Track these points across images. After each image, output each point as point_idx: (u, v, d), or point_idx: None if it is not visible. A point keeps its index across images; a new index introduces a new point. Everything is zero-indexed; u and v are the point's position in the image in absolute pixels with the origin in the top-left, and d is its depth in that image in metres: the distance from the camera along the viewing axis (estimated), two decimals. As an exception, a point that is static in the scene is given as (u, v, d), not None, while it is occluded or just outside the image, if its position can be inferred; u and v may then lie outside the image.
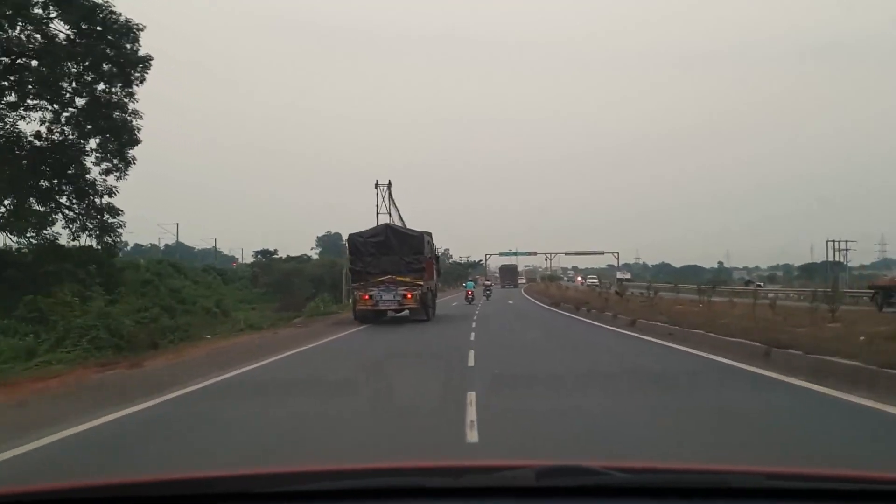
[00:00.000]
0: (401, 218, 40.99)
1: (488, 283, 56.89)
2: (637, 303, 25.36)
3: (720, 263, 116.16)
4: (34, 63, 20.73)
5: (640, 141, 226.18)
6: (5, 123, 20.91)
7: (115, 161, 21.91)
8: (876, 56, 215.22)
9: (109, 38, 21.02)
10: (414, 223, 32.51)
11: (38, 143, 21.45)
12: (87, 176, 22.01)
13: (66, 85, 21.39)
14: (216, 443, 5.85)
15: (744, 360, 10.07)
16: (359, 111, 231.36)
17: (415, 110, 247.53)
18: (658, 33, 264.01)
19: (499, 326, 21.56)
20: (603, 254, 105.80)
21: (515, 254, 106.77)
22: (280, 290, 50.91)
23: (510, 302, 43.47)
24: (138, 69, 21.84)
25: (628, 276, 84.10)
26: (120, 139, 21.80)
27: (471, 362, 11.19)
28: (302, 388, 9.14)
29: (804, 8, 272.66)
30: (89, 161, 22.03)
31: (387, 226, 26.10)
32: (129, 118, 21.88)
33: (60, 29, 20.59)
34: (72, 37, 20.73)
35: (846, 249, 69.81)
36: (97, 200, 22.04)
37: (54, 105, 21.37)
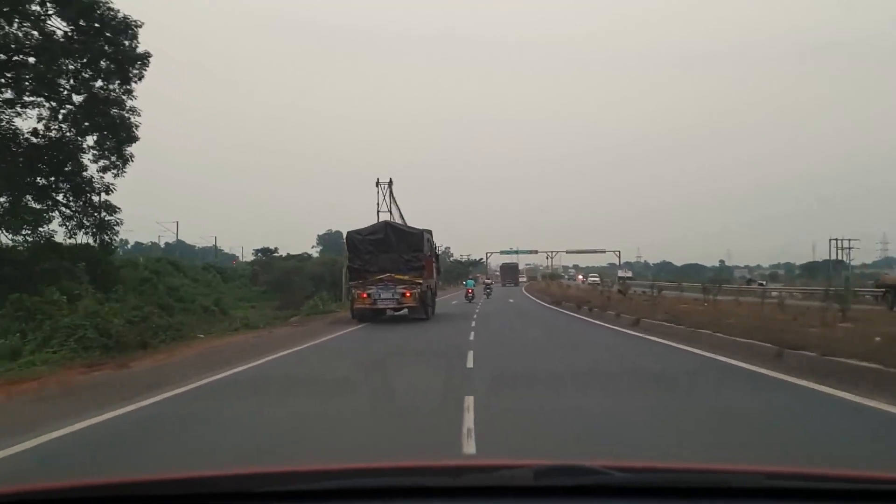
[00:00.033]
0: (401, 216, 40.83)
1: (489, 281, 56.68)
2: (640, 301, 25.12)
3: (721, 262, 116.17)
4: (31, 60, 20.55)
5: (640, 141, 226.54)
6: (1, 120, 20.73)
7: (113, 158, 21.77)
8: (876, 56, 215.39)
9: (107, 34, 20.84)
10: (414, 222, 32.23)
11: (35, 140, 21.27)
12: (85, 173, 21.85)
13: (63, 82, 21.22)
14: (198, 449, 5.61)
15: (754, 361, 9.69)
16: (359, 111, 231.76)
17: (415, 110, 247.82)
18: (658, 33, 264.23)
19: (499, 325, 21.32)
20: (604, 252, 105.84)
21: (516, 252, 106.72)
22: (280, 288, 50.73)
23: (511, 300, 43.28)
24: (137, 66, 21.66)
25: (630, 274, 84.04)
26: (118, 136, 21.63)
27: (469, 363, 10.89)
28: (294, 390, 8.88)
29: (804, 8, 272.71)
30: (87, 158, 21.88)
31: (386, 223, 25.71)
32: (127, 115, 21.70)
33: (58, 26, 20.43)
34: (69, 33, 20.55)
35: (849, 248, 69.52)
36: (94, 198, 21.89)
37: (52, 102, 21.21)
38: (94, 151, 21.74)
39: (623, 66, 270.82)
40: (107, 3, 20.25)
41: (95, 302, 15.31)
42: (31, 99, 20.82)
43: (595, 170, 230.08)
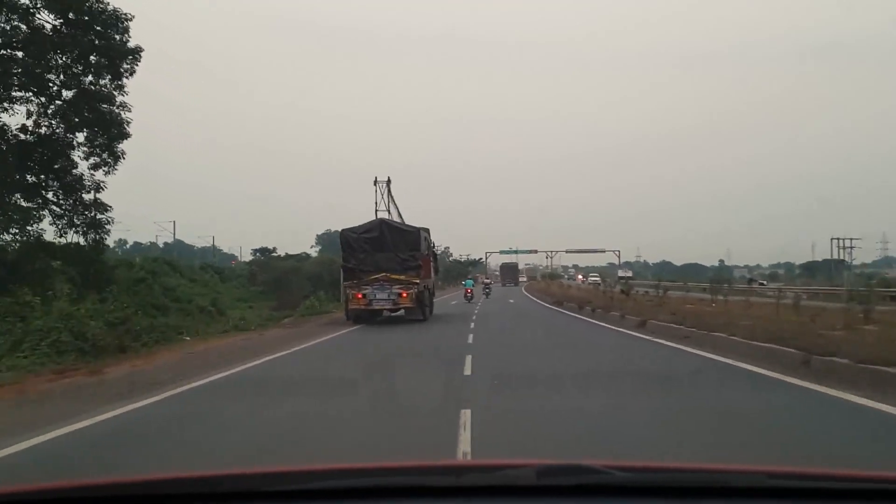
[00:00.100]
0: (400, 215, 40.47)
1: (488, 281, 56.34)
2: (644, 302, 24.51)
3: (721, 262, 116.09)
4: (19, 54, 20.09)
5: (640, 141, 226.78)
6: (-12, 116, 20.28)
7: (105, 155, 21.31)
8: (876, 56, 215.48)
9: (97, 28, 20.41)
10: (414, 222, 31.75)
11: (23, 136, 20.80)
12: (75, 171, 21.38)
13: (53, 77, 20.80)
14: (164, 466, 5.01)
15: (779, 369, 8.92)
16: (359, 111, 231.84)
17: (415, 110, 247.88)
18: (658, 33, 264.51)
19: (499, 327, 20.68)
20: (604, 252, 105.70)
21: (516, 252, 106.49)
22: (278, 288, 50.42)
23: (511, 300, 42.81)
24: (128, 61, 21.22)
25: (630, 274, 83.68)
26: (109, 133, 21.16)
27: (467, 370, 10.20)
28: (273, 401, 8.13)
29: (804, 8, 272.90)
30: (77, 155, 21.43)
31: (381, 221, 25.00)
32: (118, 111, 21.25)
33: (46, 19, 19.99)
34: (58, 27, 20.11)
35: (851, 248, 69.10)
36: (85, 196, 21.42)
37: (41, 97, 20.76)
38: (85, 148, 21.28)
39: (623, 66, 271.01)
40: (96, -5, 19.82)
41: (69, 303, 14.57)
42: (20, 94, 20.34)
43: (595, 170, 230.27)
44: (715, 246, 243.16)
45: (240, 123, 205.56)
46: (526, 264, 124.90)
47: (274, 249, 71.08)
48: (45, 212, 21.05)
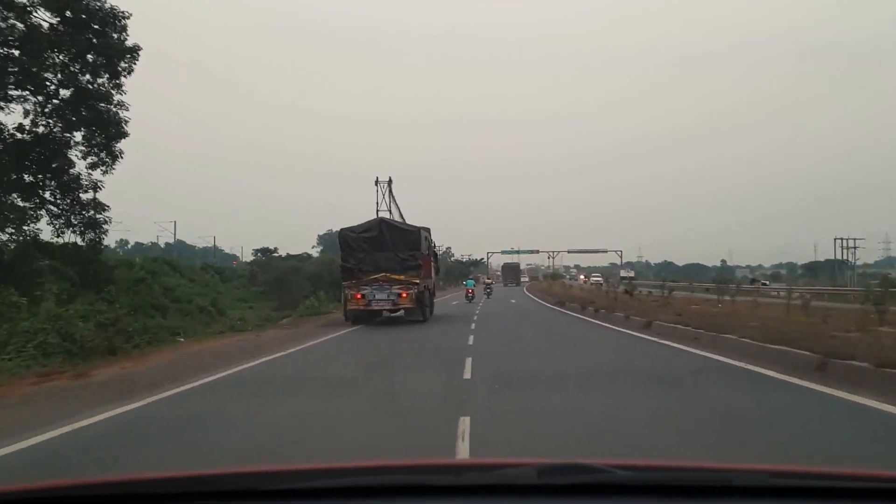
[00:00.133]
0: (401, 215, 40.32)
1: (489, 281, 56.16)
2: (648, 302, 24.21)
3: (723, 262, 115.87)
4: (16, 53, 19.93)
5: (640, 141, 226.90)
6: (-15, 115, 20.13)
7: (102, 155, 21.17)
8: (876, 56, 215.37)
9: (94, 26, 20.26)
10: (414, 222, 31.56)
11: (20, 136, 20.65)
12: (72, 170, 21.23)
13: (50, 76, 20.65)
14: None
15: (793, 373, 8.47)
16: (359, 111, 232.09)
17: (415, 110, 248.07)
18: (658, 33, 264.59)
19: (500, 328, 20.27)
20: (606, 252, 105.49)
21: (517, 252, 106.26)
22: (279, 288, 50.31)
23: (512, 301, 42.56)
24: (126, 59, 21.09)
25: (632, 274, 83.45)
26: (107, 132, 21.03)
27: (467, 373, 9.77)
28: (265, 404, 7.77)
29: (804, 8, 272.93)
30: (75, 155, 21.28)
31: (381, 220, 24.61)
32: (115, 110, 21.11)
33: (44, 17, 19.83)
34: (55, 25, 19.96)
35: (854, 248, 68.79)
36: (82, 196, 21.27)
37: (38, 97, 20.62)
38: (83, 147, 21.15)
39: (623, 66, 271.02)
40: (93, -7, 19.67)
41: (58, 304, 14.26)
42: (16, 93, 20.19)
43: (595, 170, 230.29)
44: (716, 246, 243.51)
45: (240, 123, 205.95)
46: (527, 264, 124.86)
47: (275, 250, 71.03)
48: (43, 211, 20.93)
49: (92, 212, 21.33)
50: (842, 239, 69.88)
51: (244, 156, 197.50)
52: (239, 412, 7.32)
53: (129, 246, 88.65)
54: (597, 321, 21.48)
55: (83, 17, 19.95)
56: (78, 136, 21.11)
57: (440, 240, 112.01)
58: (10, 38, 19.56)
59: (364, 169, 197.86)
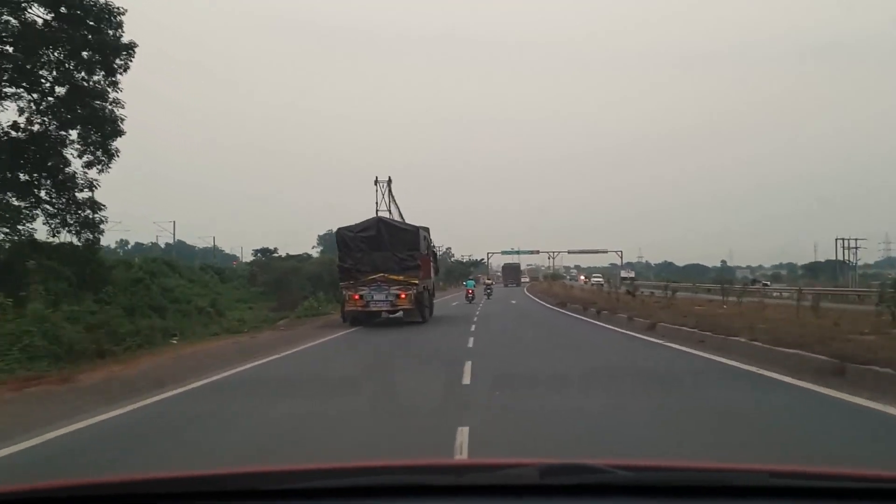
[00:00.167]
0: (401, 215, 40.15)
1: (489, 281, 56.01)
2: (651, 303, 23.85)
3: (723, 262, 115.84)
4: (10, 49, 19.69)
5: (640, 141, 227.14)
6: (-21, 113, 19.89)
7: (98, 153, 20.93)
8: (876, 56, 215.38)
9: (90, 23, 20.03)
10: (414, 222, 31.39)
11: (14, 134, 20.41)
12: (68, 169, 20.99)
13: (45, 73, 20.43)
14: None
15: (810, 378, 8.02)
16: (359, 111, 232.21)
17: (415, 110, 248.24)
18: (658, 33, 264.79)
19: (501, 330, 19.82)
20: (606, 252, 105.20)
21: (518, 252, 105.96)
22: (278, 288, 50.11)
23: (513, 301, 42.29)
24: (122, 57, 20.85)
25: (632, 274, 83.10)
26: (103, 130, 20.79)
27: (466, 378, 9.30)
28: (248, 415, 7.31)
29: (804, 8, 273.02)
30: (70, 154, 21.04)
31: (378, 219, 24.09)
32: (111, 108, 20.87)
33: (38, 14, 19.60)
34: (50, 21, 19.73)
35: (856, 248, 68.50)
36: (78, 195, 21.02)
37: (33, 94, 20.38)
38: (78, 146, 20.91)
39: (623, 66, 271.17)
40: (87, -12, 19.43)
41: (46, 305, 13.89)
42: (11, 90, 19.95)
43: (595, 170, 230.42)
44: (716, 246, 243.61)
45: (240, 123, 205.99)
46: (528, 265, 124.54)
47: (275, 250, 70.85)
48: (38, 211, 20.69)
49: (88, 211, 21.08)
50: (843, 239, 69.55)
51: (244, 156, 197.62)
52: (223, 421, 7.00)
53: (129, 246, 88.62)
54: (599, 323, 21.07)
55: (78, 13, 19.71)
56: (73, 134, 20.89)
57: (440, 240, 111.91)
58: (4, 34, 19.33)
59: (364, 169, 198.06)
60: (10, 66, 19.52)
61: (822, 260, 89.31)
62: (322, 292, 40.63)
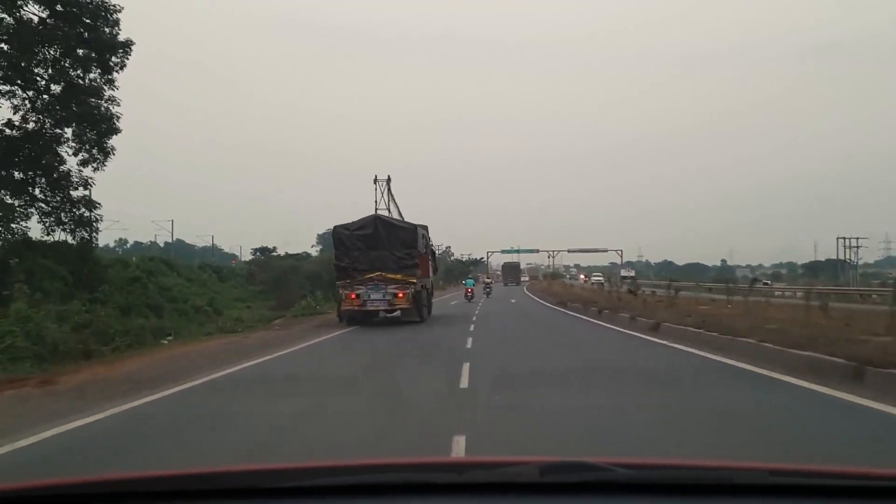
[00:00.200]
0: (400, 214, 39.99)
1: (489, 280, 55.83)
2: (654, 303, 23.50)
3: (723, 262, 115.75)
4: (4, 47, 19.50)
5: (640, 141, 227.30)
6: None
7: (94, 151, 20.76)
8: (876, 56, 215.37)
9: (86, 20, 19.85)
10: (414, 221, 31.24)
11: (9, 132, 20.22)
12: (63, 167, 20.80)
13: (41, 71, 20.24)
14: None
15: (826, 382, 7.60)
16: (359, 111, 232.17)
17: (415, 110, 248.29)
18: (658, 33, 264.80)
19: (500, 330, 19.46)
20: (606, 251, 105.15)
21: (517, 251, 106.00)
22: (277, 287, 49.93)
23: (513, 300, 42.06)
24: (118, 54, 20.68)
25: (632, 273, 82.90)
26: (98, 128, 20.61)
27: (463, 382, 8.85)
28: (229, 420, 6.95)
29: (804, 8, 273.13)
30: (65, 151, 20.87)
31: (376, 217, 23.59)
32: (107, 105, 20.70)
33: (34, 11, 19.41)
34: (45, 19, 19.54)
35: (857, 247, 68.29)
36: (73, 193, 20.84)
37: (28, 92, 20.19)
38: (73, 144, 20.74)
39: (623, 66, 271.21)
40: (83, -15, 19.24)
41: (28, 304, 13.48)
42: (5, 88, 19.77)
43: (595, 170, 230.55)
44: (716, 246, 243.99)
45: (240, 123, 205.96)
46: (528, 264, 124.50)
47: (274, 249, 70.75)
48: (33, 209, 20.51)
49: (83, 209, 20.92)
50: (845, 238, 69.34)
51: (244, 156, 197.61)
52: (202, 430, 6.60)
53: (129, 245, 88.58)
54: (601, 322, 20.72)
55: (74, 10, 19.54)
56: (69, 132, 20.71)
57: (440, 239, 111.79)
58: (-2, 32, 19.15)
59: (364, 169, 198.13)
60: (5, 63, 19.35)
61: (823, 259, 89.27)
62: (320, 291, 40.48)
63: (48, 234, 20.90)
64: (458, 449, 5.21)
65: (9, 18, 19.11)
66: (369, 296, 20.34)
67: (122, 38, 20.58)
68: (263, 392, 9.06)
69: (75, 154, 20.68)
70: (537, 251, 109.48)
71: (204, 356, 12.52)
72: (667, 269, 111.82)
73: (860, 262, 76.12)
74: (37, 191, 20.67)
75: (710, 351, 11.36)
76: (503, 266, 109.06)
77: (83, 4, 19.50)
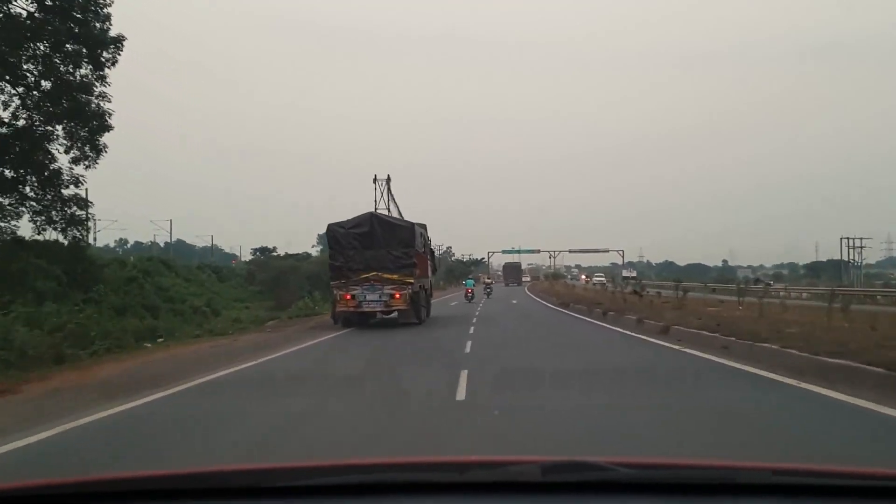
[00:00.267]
0: (400, 213, 39.58)
1: (489, 280, 55.31)
2: (659, 304, 22.90)
3: (724, 262, 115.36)
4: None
5: (640, 141, 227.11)
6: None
7: (85, 149, 20.34)
8: (876, 56, 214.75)
9: (76, 15, 19.42)
10: (414, 221, 30.77)
11: (-1, 129, 19.81)
12: (53, 165, 20.39)
13: (31, 67, 19.83)
14: None
15: (871, 396, 6.88)
16: (359, 111, 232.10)
17: (415, 110, 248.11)
18: (658, 33, 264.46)
19: (501, 332, 18.78)
20: (607, 251, 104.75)
21: (518, 251, 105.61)
22: (276, 287, 49.67)
23: (514, 301, 41.53)
24: (109, 50, 20.27)
25: (634, 274, 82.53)
26: (89, 125, 20.19)
27: (460, 393, 8.08)
28: (202, 435, 6.40)
29: (804, 8, 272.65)
30: (56, 149, 20.45)
31: (372, 215, 22.69)
32: (98, 102, 20.28)
33: (22, 5, 18.99)
34: (34, 13, 19.12)
35: (860, 247, 67.73)
36: (64, 191, 20.42)
37: (17, 88, 19.77)
38: (65, 141, 20.32)
39: (623, 66, 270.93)
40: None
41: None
42: (-5, 84, 19.34)
43: (595, 170, 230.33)
44: (716, 246, 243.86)
45: (240, 123, 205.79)
46: (529, 264, 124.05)
47: (274, 249, 70.46)
48: (23, 208, 20.10)
49: (74, 208, 20.51)
50: (848, 238, 68.78)
51: (244, 156, 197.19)
52: (171, 445, 6.11)
53: (129, 245, 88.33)
54: (606, 325, 20.01)
55: (63, 5, 19.11)
56: (59, 129, 20.30)
57: (440, 239, 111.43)
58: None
59: (364, 169, 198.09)
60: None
61: (824, 259, 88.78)
62: (319, 292, 40.14)
63: (39, 233, 20.56)
64: None
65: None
66: (365, 297, 19.69)
67: (113, 33, 20.21)
68: (237, 404, 8.33)
69: (66, 151, 20.31)
70: (538, 251, 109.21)
71: (187, 361, 11.97)
72: (668, 270, 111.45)
73: (863, 263, 75.47)
74: (27, 189, 20.28)
75: (731, 358, 10.50)
76: (504, 266, 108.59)
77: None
